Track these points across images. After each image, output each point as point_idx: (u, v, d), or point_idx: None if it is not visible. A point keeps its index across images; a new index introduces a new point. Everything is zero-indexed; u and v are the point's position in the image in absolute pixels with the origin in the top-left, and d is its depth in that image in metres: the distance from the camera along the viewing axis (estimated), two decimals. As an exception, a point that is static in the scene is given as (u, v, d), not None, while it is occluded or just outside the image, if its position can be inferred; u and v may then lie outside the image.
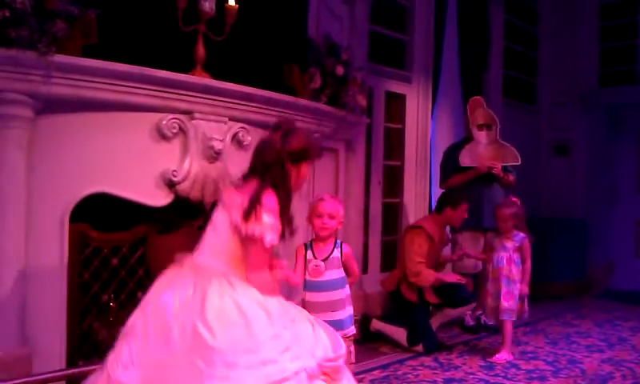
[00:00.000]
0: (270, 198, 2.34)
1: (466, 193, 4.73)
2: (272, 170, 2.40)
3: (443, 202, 4.70)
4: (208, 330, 2.13)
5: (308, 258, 3.16)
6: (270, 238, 2.31)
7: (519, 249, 4.39)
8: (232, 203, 2.36)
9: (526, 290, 4.35)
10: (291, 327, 2.27)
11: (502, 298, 4.33)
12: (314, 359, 2.23)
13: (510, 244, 4.40)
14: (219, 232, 2.37)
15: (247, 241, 2.31)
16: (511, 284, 4.34)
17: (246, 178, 2.45)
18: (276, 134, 2.47)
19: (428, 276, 4.48)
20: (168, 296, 2.23)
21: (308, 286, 3.15)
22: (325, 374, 2.24)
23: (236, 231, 2.32)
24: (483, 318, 4.98)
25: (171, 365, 2.10)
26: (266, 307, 2.25)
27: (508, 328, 4.37)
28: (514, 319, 4.38)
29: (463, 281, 4.53)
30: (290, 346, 2.21)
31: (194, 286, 2.24)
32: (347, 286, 3.19)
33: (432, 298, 4.55)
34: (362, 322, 4.69)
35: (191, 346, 2.11)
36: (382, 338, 4.65)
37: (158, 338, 2.16)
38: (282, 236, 2.40)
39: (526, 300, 4.38)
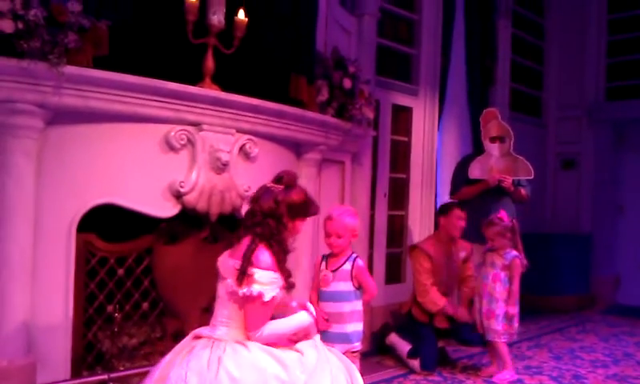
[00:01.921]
0: (263, 254, 2.33)
1: (459, 202, 4.66)
2: (266, 221, 2.37)
3: (437, 215, 4.66)
4: None
5: (321, 268, 3.17)
6: (270, 294, 2.30)
7: (508, 267, 4.23)
8: (226, 270, 2.37)
9: (511, 310, 4.16)
10: (311, 378, 2.29)
11: (482, 316, 4.23)
12: None
13: (499, 261, 4.26)
14: (223, 302, 2.38)
15: (245, 302, 2.31)
16: (493, 303, 4.20)
17: (239, 236, 2.41)
18: (278, 185, 2.46)
19: (437, 300, 4.43)
20: (183, 370, 2.24)
21: (319, 296, 3.16)
22: None
23: (232, 297, 2.32)
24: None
25: None
26: (284, 363, 2.27)
27: (500, 349, 4.24)
28: (502, 340, 4.21)
29: (471, 321, 4.46)
30: None
31: (209, 357, 2.25)
32: (357, 301, 3.13)
33: (442, 324, 4.51)
34: (381, 333, 4.71)
35: None
36: (389, 352, 4.64)
37: None
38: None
39: (515, 320, 4.20)
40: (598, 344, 5.38)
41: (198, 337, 2.38)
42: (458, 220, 4.53)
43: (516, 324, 4.23)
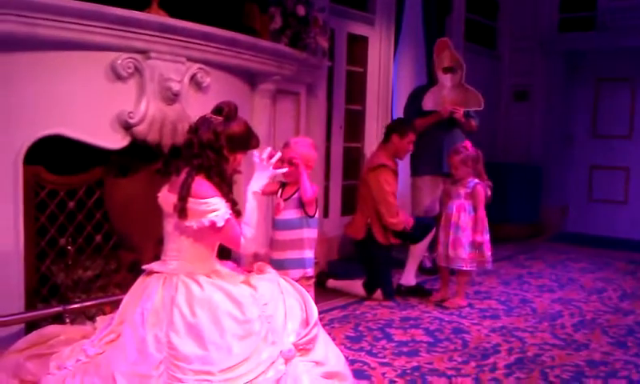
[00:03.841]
0: (201, 185, 2.28)
1: (414, 125, 4.59)
2: (205, 152, 2.30)
3: (392, 129, 4.50)
4: (180, 340, 2.16)
5: (278, 195, 3.21)
6: (221, 219, 2.27)
7: (471, 195, 4.26)
8: (168, 207, 2.32)
9: (478, 238, 4.20)
10: (264, 311, 2.30)
11: (449, 246, 4.25)
12: (288, 337, 2.29)
13: (462, 191, 4.29)
14: (172, 237, 2.35)
15: (204, 232, 2.29)
16: (459, 232, 4.23)
17: (178, 169, 2.34)
18: (217, 115, 2.37)
19: (406, 219, 4.38)
20: (139, 309, 2.24)
21: (274, 225, 3.21)
22: (301, 349, 2.30)
23: (184, 231, 2.30)
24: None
25: (151, 377, 2.13)
26: (237, 300, 2.27)
27: (462, 277, 4.32)
28: (470, 268, 4.28)
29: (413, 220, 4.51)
30: (265, 335, 2.25)
31: (162, 296, 2.25)
32: (308, 229, 3.18)
33: (395, 240, 4.55)
34: (318, 281, 4.72)
35: (166, 357, 2.15)
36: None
37: (135, 352, 2.18)
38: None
39: (485, 248, 4.25)
40: (544, 270, 5.58)
41: (150, 273, 2.36)
42: (410, 144, 4.46)
43: (488, 252, 4.26)
